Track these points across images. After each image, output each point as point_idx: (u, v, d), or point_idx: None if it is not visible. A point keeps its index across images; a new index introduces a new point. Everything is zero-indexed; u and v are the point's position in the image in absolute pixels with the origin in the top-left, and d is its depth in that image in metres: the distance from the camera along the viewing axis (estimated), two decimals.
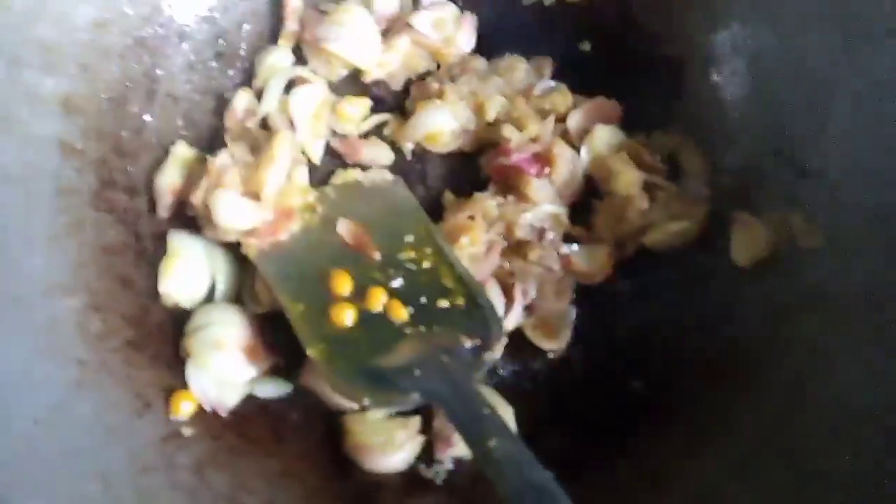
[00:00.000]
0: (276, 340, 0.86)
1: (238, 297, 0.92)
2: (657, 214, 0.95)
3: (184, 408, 0.79)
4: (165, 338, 0.84)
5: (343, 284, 0.86)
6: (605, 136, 0.99)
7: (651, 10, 1.01)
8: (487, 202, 0.94)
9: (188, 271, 0.88)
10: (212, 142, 0.97)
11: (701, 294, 0.91)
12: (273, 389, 0.86)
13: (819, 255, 0.84)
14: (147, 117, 0.93)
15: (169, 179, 0.91)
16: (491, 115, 0.99)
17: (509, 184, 0.97)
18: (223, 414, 0.80)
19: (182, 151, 0.93)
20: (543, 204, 0.95)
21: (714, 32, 0.98)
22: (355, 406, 0.81)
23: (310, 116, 0.99)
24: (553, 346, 0.92)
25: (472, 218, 0.93)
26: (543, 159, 0.96)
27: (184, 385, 0.80)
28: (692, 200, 0.95)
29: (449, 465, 0.82)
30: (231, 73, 1.02)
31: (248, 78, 1.02)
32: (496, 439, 0.67)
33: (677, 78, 1.02)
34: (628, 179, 0.95)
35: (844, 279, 0.80)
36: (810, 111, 0.88)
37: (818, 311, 0.81)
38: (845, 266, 0.80)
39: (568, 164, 0.97)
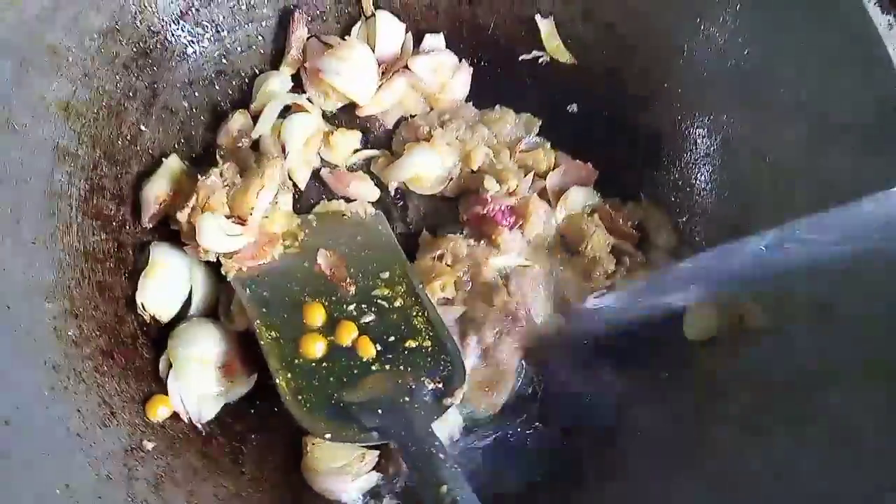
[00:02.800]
0: (252, 355, 0.88)
1: (213, 312, 0.95)
2: (620, 278, 1.01)
3: (160, 412, 0.83)
4: (137, 349, 0.86)
5: (316, 315, 0.89)
6: (579, 197, 1.05)
7: (639, 80, 1.06)
8: (459, 242, 0.99)
9: (168, 284, 0.91)
10: (204, 157, 1.00)
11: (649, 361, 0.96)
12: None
13: (763, 336, 0.89)
14: (143, 128, 0.95)
15: (157, 190, 0.93)
16: (476, 164, 1.04)
17: (483, 231, 1.02)
18: (199, 426, 0.83)
19: (173, 163, 0.95)
20: (513, 252, 1.00)
21: (694, 111, 1.04)
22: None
23: (301, 143, 1.03)
24: (490, 401, 0.93)
25: (441, 258, 0.98)
26: (518, 213, 1.01)
27: (156, 392, 0.83)
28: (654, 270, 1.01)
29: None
30: (230, 92, 1.04)
31: (245, 98, 1.05)
32: (448, 486, 0.70)
33: (655, 149, 1.08)
34: (598, 241, 1.00)
35: (784, 360, 0.86)
36: (773, 200, 0.94)
37: (753, 389, 0.87)
38: (787, 348, 0.86)
39: (541, 220, 1.02)
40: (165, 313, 0.90)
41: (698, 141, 1.04)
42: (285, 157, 1.00)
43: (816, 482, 0.76)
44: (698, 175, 1.05)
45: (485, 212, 0.99)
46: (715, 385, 0.92)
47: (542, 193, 1.05)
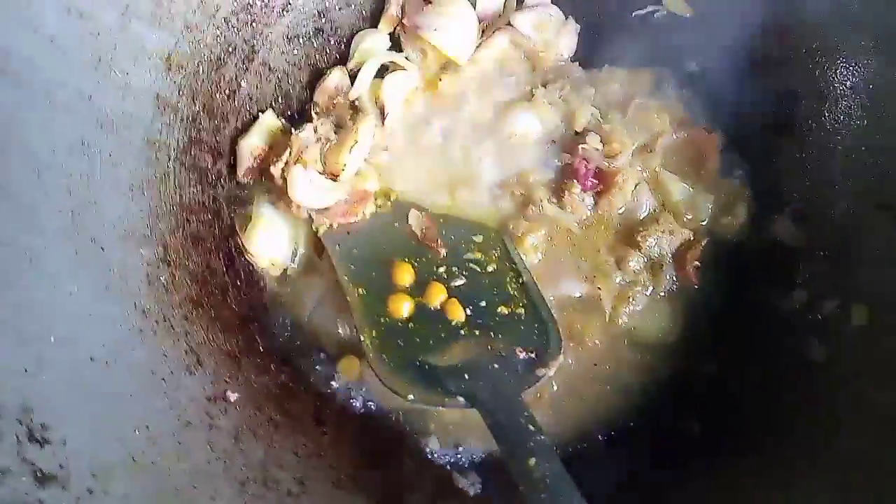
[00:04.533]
0: None
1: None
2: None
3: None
4: (226, 301, 0.85)
5: (405, 275, 0.85)
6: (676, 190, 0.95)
7: (768, 34, 0.94)
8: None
9: (272, 236, 0.90)
10: (300, 114, 0.98)
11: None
12: None
13: None
14: (242, 83, 0.95)
15: (253, 144, 0.92)
16: (580, 125, 0.96)
17: (562, 183, 0.94)
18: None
19: (269, 120, 0.94)
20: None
21: (833, 66, 0.91)
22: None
23: (401, 103, 0.99)
24: None
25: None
26: (605, 179, 0.92)
27: (238, 353, 0.82)
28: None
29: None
30: (327, 49, 1.02)
31: (343, 56, 1.02)
32: (537, 458, 0.64)
33: (789, 112, 0.95)
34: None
35: None
36: None
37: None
38: None
39: (625, 198, 0.93)
40: (271, 261, 0.90)
41: (840, 100, 0.91)
42: (385, 117, 0.96)
43: None
44: (836, 138, 0.91)
45: (571, 162, 0.91)
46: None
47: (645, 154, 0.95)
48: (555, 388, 0.85)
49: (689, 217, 0.93)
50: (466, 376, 0.74)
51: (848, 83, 0.90)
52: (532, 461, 0.64)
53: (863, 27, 0.88)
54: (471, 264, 0.88)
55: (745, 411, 0.85)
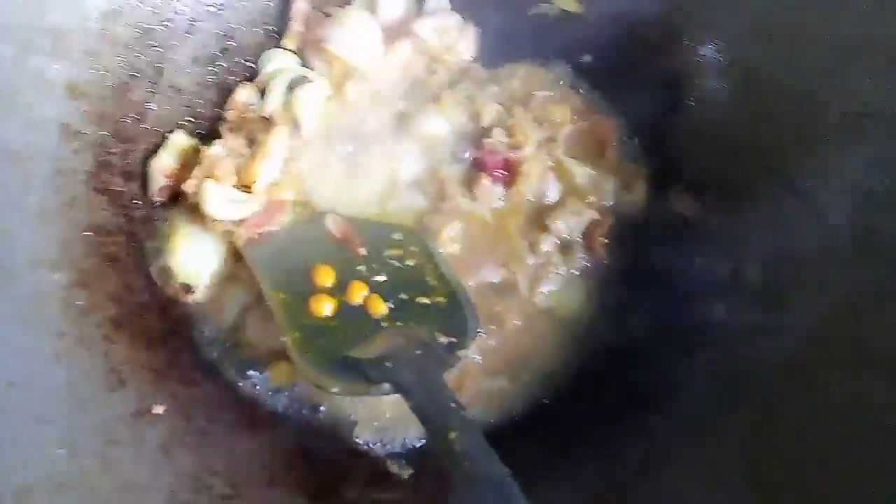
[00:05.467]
0: None
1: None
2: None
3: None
4: (147, 319, 0.85)
5: (325, 277, 0.87)
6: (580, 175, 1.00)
7: (650, 23, 1.01)
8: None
9: (193, 254, 0.91)
10: (211, 133, 1.00)
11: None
12: None
13: (800, 276, 0.83)
14: (149, 105, 0.96)
15: (164, 163, 0.93)
16: (486, 121, 1.00)
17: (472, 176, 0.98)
18: None
19: (180, 139, 0.96)
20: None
21: (711, 46, 0.98)
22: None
23: (314, 115, 1.01)
24: None
25: None
26: (512, 169, 0.97)
27: (162, 368, 0.82)
28: None
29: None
30: (234, 69, 1.04)
31: (251, 74, 1.04)
32: (458, 432, 0.67)
33: (676, 92, 1.02)
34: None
35: (824, 300, 0.79)
36: (801, 131, 0.87)
37: (795, 334, 0.80)
38: (826, 287, 0.79)
39: (532, 186, 0.97)
40: (195, 282, 0.90)
41: (720, 76, 0.98)
42: (300, 129, 0.99)
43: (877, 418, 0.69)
44: (722, 112, 0.98)
45: (479, 155, 0.96)
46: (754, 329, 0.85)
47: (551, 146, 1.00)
48: (477, 368, 0.88)
49: (594, 198, 0.98)
50: (389, 364, 0.76)
51: (724, 61, 0.97)
52: (453, 435, 0.66)
53: (733, 9, 0.95)
54: (390, 261, 0.91)
55: (661, 376, 0.89)
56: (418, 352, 0.79)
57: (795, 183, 0.87)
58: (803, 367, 0.77)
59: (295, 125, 0.99)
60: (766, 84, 0.92)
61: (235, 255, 0.92)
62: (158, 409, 0.77)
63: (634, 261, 0.96)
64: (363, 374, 0.76)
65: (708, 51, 0.99)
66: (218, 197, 0.88)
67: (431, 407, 0.70)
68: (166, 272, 0.90)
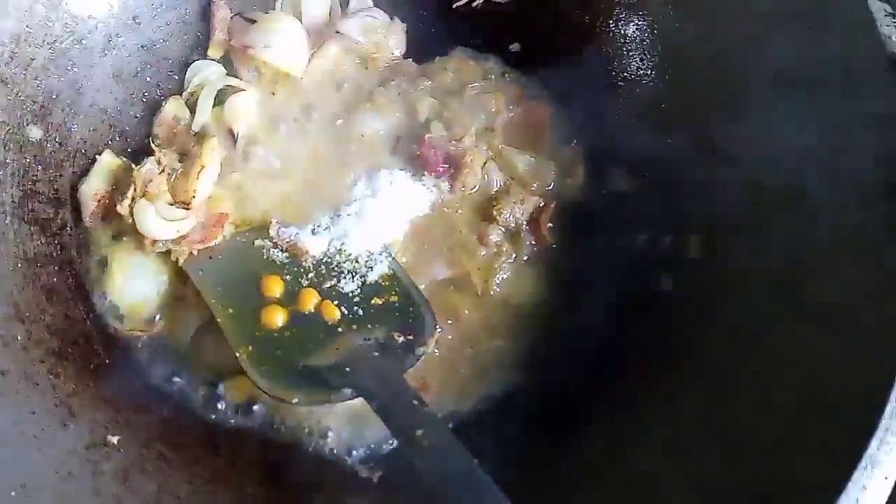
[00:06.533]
0: None
1: None
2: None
3: None
4: (92, 348, 0.82)
5: (274, 287, 0.86)
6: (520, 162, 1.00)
7: (574, 6, 1.02)
8: None
9: (131, 274, 0.88)
10: (141, 151, 0.96)
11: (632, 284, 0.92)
12: None
13: (738, 240, 0.85)
14: (72, 128, 0.92)
15: (94, 187, 0.90)
16: (423, 115, 1.00)
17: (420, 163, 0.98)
18: None
19: (108, 160, 0.92)
20: None
21: (634, 25, 1.01)
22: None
23: (248, 124, 0.99)
24: None
25: None
26: (454, 162, 0.97)
27: (114, 397, 0.79)
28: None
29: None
30: (159, 82, 1.01)
31: (177, 87, 1.02)
32: (423, 429, 0.66)
33: (607, 73, 1.04)
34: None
35: (763, 260, 0.82)
36: (726, 100, 0.90)
37: (740, 296, 0.83)
38: (763, 248, 0.82)
39: (477, 176, 0.97)
40: (141, 312, 0.88)
41: (646, 54, 1.01)
42: (235, 139, 0.97)
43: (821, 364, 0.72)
44: (650, 86, 1.01)
45: (420, 152, 0.96)
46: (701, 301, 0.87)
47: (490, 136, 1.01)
48: (437, 363, 0.88)
49: (536, 185, 0.99)
50: (348, 369, 0.76)
51: (649, 39, 1.00)
52: (419, 432, 0.66)
53: None
54: (339, 265, 0.90)
55: (618, 353, 0.91)
56: (376, 353, 0.78)
57: (725, 150, 0.90)
58: (750, 327, 0.79)
59: (228, 136, 0.98)
60: (690, 58, 0.96)
61: (181, 275, 0.89)
62: (113, 439, 0.75)
63: (581, 242, 0.97)
64: (323, 382, 0.75)
65: (631, 29, 1.02)
66: (153, 216, 0.86)
67: (395, 407, 0.70)
68: (114, 310, 0.87)
